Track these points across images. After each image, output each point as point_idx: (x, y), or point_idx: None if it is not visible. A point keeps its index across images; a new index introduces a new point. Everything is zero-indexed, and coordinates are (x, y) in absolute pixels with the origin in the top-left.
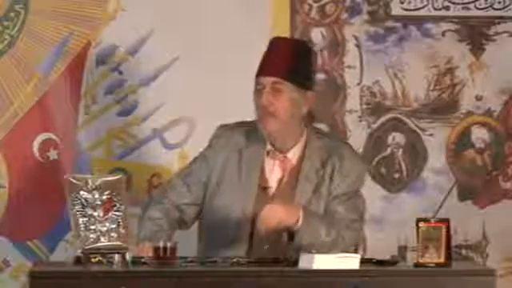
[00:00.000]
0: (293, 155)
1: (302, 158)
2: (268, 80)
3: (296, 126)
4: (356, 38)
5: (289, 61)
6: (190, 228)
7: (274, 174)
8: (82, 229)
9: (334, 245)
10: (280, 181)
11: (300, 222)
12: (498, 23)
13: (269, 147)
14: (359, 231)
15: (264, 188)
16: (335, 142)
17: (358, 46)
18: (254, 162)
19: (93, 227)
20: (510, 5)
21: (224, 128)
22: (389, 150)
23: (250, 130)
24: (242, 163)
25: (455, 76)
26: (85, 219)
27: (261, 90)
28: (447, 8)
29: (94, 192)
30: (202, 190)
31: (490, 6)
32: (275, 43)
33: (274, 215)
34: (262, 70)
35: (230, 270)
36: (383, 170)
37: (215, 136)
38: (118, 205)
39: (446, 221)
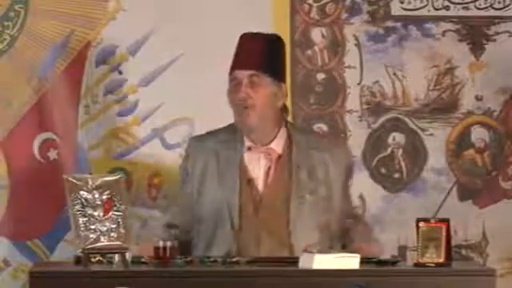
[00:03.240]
0: (277, 145)
1: (289, 148)
2: (245, 73)
3: (274, 118)
4: (356, 37)
5: (264, 54)
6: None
7: (259, 166)
8: (82, 229)
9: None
10: (268, 171)
11: None
12: (498, 23)
13: (248, 143)
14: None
15: (248, 180)
16: (315, 136)
17: (357, 45)
18: (232, 159)
19: (93, 227)
20: (510, 5)
21: (197, 138)
22: (389, 150)
23: (223, 135)
24: (220, 164)
25: (455, 76)
26: (85, 219)
27: (237, 84)
28: (447, 8)
29: (94, 192)
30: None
31: (490, 6)
32: (247, 38)
33: None
34: (238, 64)
35: (230, 270)
36: (383, 170)
37: (190, 147)
38: (118, 205)
39: (446, 221)
